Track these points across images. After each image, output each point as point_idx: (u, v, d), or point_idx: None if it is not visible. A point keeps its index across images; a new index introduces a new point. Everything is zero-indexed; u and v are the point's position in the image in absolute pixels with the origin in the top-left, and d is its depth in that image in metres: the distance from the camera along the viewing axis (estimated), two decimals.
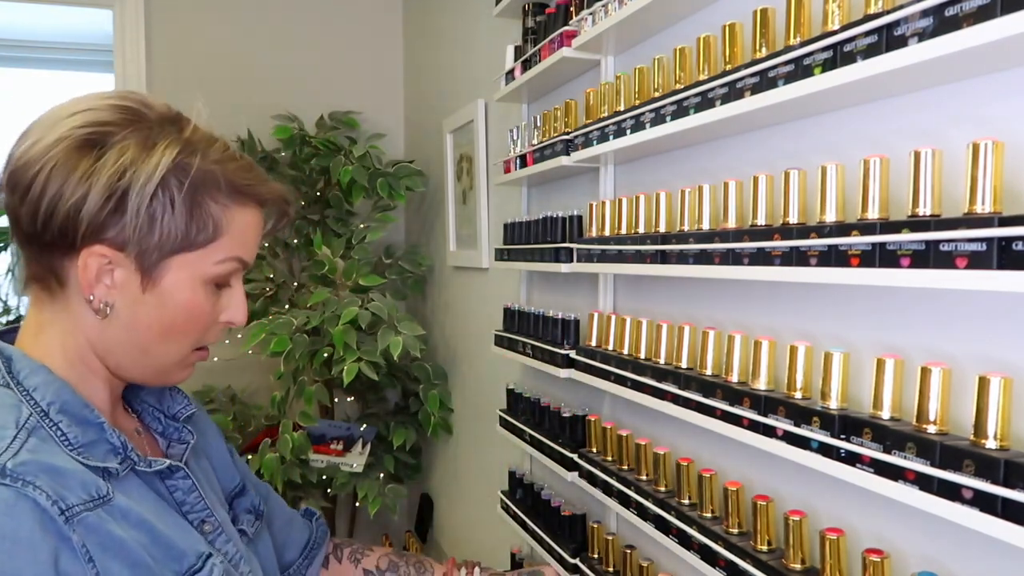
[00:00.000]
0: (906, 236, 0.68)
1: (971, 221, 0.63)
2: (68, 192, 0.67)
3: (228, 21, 2.98)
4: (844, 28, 0.76)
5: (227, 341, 2.06)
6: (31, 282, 0.75)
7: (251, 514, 0.93)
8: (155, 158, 0.69)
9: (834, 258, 0.77)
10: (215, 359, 2.33)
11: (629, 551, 1.28)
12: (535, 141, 1.60)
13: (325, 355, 2.36)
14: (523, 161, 1.64)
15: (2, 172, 0.71)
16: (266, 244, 2.68)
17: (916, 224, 0.68)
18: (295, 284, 2.76)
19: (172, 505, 0.77)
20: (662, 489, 1.14)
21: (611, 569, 1.33)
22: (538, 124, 1.59)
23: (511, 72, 1.71)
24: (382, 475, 2.65)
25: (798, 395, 0.86)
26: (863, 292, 0.87)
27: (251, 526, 0.92)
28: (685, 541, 1.05)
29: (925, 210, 0.70)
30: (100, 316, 0.72)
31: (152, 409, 0.87)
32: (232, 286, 0.79)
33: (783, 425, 0.85)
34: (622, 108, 1.24)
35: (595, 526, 1.37)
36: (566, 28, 1.41)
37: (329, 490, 2.65)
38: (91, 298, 0.71)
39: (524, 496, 1.72)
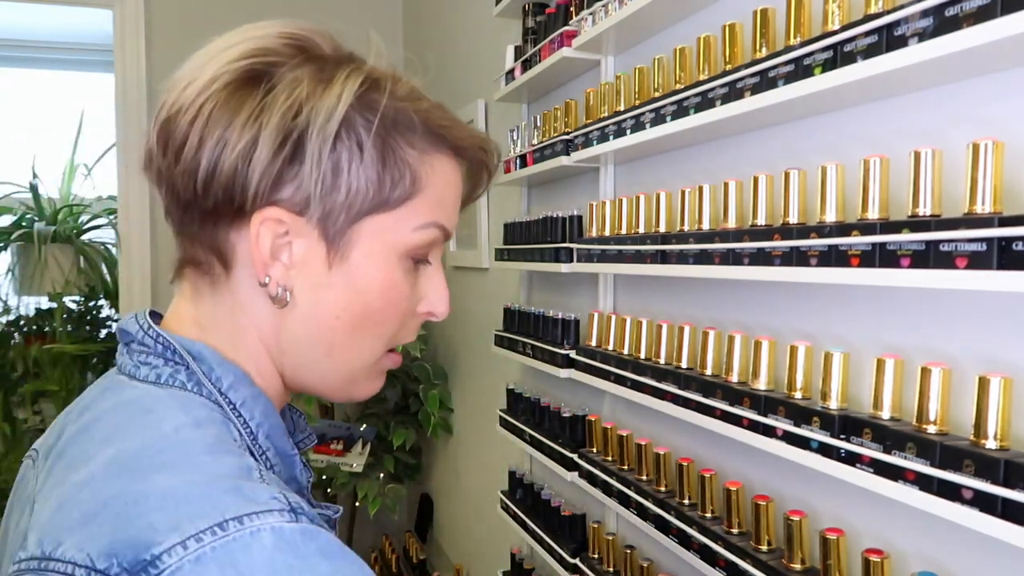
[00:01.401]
0: (906, 236, 0.68)
1: (971, 221, 0.63)
2: (233, 139, 0.52)
3: (228, 21, 2.97)
4: (844, 28, 0.76)
5: None
6: (186, 266, 0.59)
7: None
8: (335, 89, 0.54)
9: (834, 258, 0.77)
10: None
11: (629, 551, 1.28)
12: (535, 141, 1.60)
13: None
14: (523, 161, 1.64)
15: (153, 128, 0.56)
16: None
17: (916, 224, 0.68)
18: None
19: None
20: (662, 489, 1.14)
21: (611, 569, 1.33)
22: (538, 124, 1.59)
23: (511, 72, 1.71)
24: (382, 475, 2.65)
25: (798, 395, 0.86)
26: (863, 292, 0.87)
27: None
28: (685, 541, 1.05)
29: (925, 210, 0.70)
30: (278, 305, 0.56)
31: None
32: (432, 265, 0.62)
33: (783, 425, 0.85)
34: (622, 108, 1.24)
35: (595, 526, 1.37)
36: (566, 28, 1.41)
37: (329, 490, 2.65)
38: (266, 280, 0.55)
39: (524, 496, 1.72)
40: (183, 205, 0.55)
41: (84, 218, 3.18)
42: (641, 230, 1.20)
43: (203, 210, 0.55)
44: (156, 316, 0.61)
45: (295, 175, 0.54)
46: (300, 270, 0.56)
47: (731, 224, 0.96)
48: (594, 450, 1.37)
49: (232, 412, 0.55)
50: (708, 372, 1.02)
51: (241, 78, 0.54)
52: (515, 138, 1.72)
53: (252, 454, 0.54)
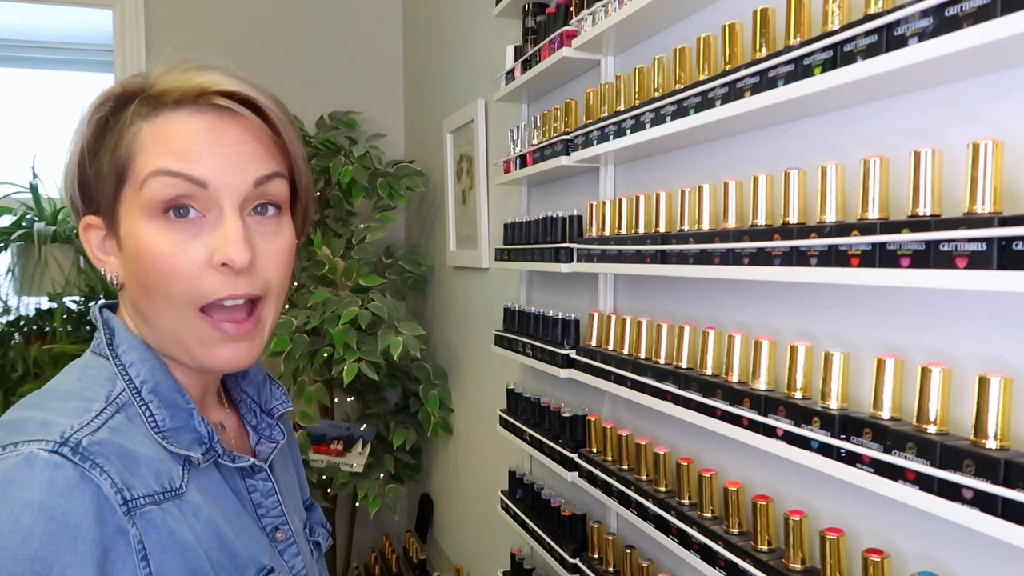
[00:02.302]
0: (906, 236, 0.68)
1: (971, 221, 0.63)
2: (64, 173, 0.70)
3: (228, 21, 2.98)
4: (844, 28, 0.76)
5: None
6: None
7: (324, 528, 0.89)
8: (82, 117, 0.68)
9: (834, 258, 0.77)
10: None
11: (629, 551, 1.28)
12: (535, 141, 1.60)
13: (325, 355, 2.36)
14: (523, 161, 1.64)
15: None
16: None
17: (916, 224, 0.68)
18: (295, 284, 2.76)
19: (248, 506, 0.73)
20: (662, 489, 1.14)
21: (611, 569, 1.33)
22: (538, 124, 1.59)
23: (511, 72, 1.71)
24: (382, 475, 2.65)
25: (798, 395, 0.86)
26: (863, 292, 0.87)
27: (325, 540, 0.88)
28: (685, 541, 1.05)
29: (925, 210, 0.70)
30: (118, 289, 0.71)
31: (250, 401, 0.83)
32: (216, 217, 0.66)
33: (783, 425, 0.85)
34: (622, 108, 1.24)
35: (595, 526, 1.37)
36: (566, 28, 1.41)
37: (329, 490, 2.65)
38: (103, 271, 0.70)
39: (524, 496, 1.72)
40: None
41: None
42: (641, 230, 1.20)
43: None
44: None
45: (81, 188, 0.68)
46: (118, 258, 0.69)
47: (731, 224, 0.96)
48: (594, 450, 1.37)
49: (120, 370, 0.67)
50: (708, 372, 1.02)
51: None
52: (515, 138, 1.72)
53: (132, 404, 0.65)
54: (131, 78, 0.69)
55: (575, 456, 1.40)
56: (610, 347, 1.30)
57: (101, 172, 0.67)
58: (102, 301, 0.74)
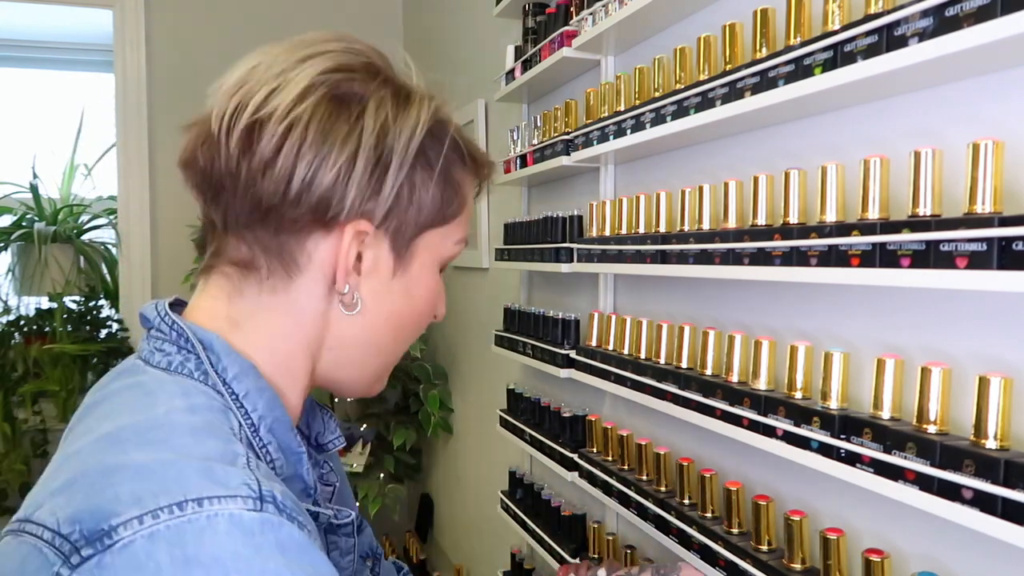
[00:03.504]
0: (906, 236, 0.68)
1: (971, 221, 0.63)
2: (333, 155, 0.54)
3: (228, 21, 2.98)
4: (844, 28, 0.76)
5: None
6: (226, 266, 0.58)
7: (368, 559, 0.78)
8: (413, 117, 0.58)
9: (834, 258, 0.77)
10: None
11: (629, 551, 1.28)
12: (535, 141, 1.60)
13: None
14: (523, 161, 1.64)
15: (226, 127, 0.54)
16: None
17: (916, 224, 0.68)
18: None
19: None
20: (662, 489, 1.14)
21: None
22: (538, 124, 1.59)
23: (511, 72, 1.71)
24: (382, 475, 2.65)
25: (798, 395, 0.86)
26: (863, 292, 0.87)
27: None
28: (685, 541, 1.05)
29: (925, 210, 0.70)
30: (348, 310, 0.59)
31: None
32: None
33: (783, 425, 0.85)
34: (622, 108, 1.24)
35: (595, 526, 1.37)
36: (566, 28, 1.41)
37: None
38: (346, 289, 0.58)
39: (524, 496, 1.72)
40: (264, 210, 0.55)
41: (84, 218, 3.18)
42: (641, 230, 1.20)
43: (289, 218, 0.55)
44: (181, 305, 0.61)
45: (379, 191, 0.56)
46: (368, 277, 0.59)
47: (731, 224, 0.96)
48: (594, 450, 1.37)
49: (234, 402, 0.54)
50: (708, 372, 1.02)
51: (335, 95, 0.55)
52: (515, 138, 1.72)
53: (252, 446, 0.53)
54: (434, 102, 0.62)
55: (575, 456, 1.40)
56: (610, 347, 1.30)
57: (415, 191, 0.58)
58: (169, 300, 0.59)
